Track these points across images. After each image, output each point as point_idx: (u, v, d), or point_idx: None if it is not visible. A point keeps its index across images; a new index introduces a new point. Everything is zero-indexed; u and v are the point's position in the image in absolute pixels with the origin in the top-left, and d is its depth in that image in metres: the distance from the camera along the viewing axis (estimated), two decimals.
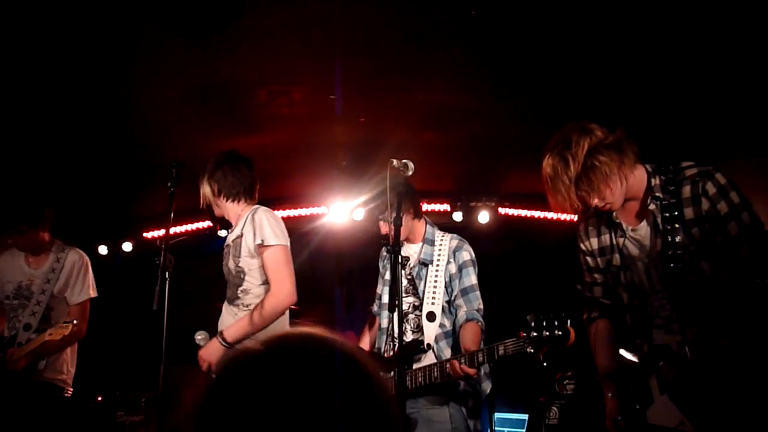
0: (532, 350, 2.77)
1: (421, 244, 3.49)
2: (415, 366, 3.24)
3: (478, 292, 3.38)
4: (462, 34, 4.23)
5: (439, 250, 3.45)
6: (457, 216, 7.05)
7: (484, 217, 7.05)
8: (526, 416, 6.09)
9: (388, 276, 3.50)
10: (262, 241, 3.34)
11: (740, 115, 5.07)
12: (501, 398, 6.03)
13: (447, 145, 6.05)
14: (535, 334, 2.76)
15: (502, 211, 7.21)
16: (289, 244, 3.43)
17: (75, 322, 3.93)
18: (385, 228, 3.35)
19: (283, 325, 3.41)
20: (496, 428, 6.02)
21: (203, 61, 4.48)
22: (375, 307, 3.72)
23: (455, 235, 3.54)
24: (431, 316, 3.32)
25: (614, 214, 2.67)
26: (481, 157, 6.34)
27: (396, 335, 3.16)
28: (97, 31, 4.12)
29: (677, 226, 2.50)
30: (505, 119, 5.45)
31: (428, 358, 3.28)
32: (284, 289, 3.29)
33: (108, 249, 7.50)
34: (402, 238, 3.20)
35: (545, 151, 2.59)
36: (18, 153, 5.56)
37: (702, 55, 4.33)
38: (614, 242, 2.72)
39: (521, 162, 6.35)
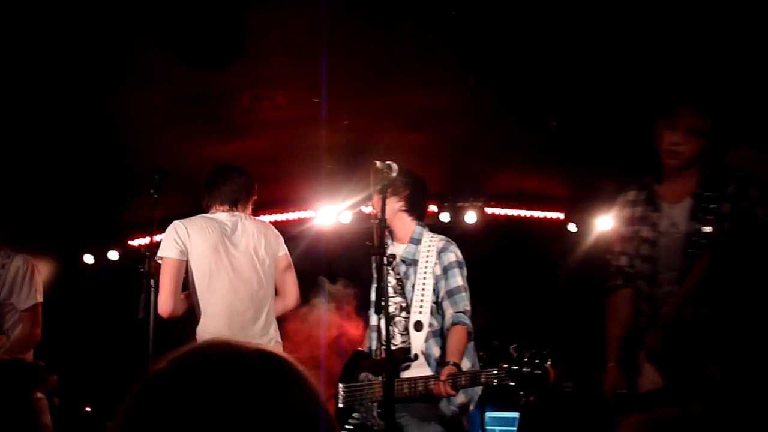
0: (512, 384, 2.87)
1: (407, 244, 3.51)
2: (402, 374, 3.24)
3: (464, 293, 3.36)
4: (443, 35, 4.24)
5: (427, 250, 3.44)
6: (444, 216, 7.06)
7: (471, 217, 7.06)
8: (517, 414, 6.11)
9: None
10: None
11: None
12: (491, 397, 6.05)
13: (432, 147, 6.06)
14: (515, 368, 2.85)
15: (489, 210, 7.23)
16: (175, 256, 3.39)
17: (8, 334, 3.90)
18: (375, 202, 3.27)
19: None
20: (487, 427, 6.04)
21: (186, 68, 4.46)
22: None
23: (443, 236, 3.54)
24: (418, 326, 3.32)
25: (656, 188, 2.88)
26: (466, 158, 6.35)
27: (384, 339, 3.19)
28: (81, 38, 4.10)
29: (711, 217, 2.67)
30: (490, 119, 5.47)
31: (417, 365, 3.28)
32: (159, 299, 3.36)
33: (94, 258, 7.45)
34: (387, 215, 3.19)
35: None
36: None
37: (690, 56, 4.35)
38: (647, 215, 2.88)
39: (507, 162, 6.39)
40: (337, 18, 4.01)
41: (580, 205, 7.11)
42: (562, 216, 7.28)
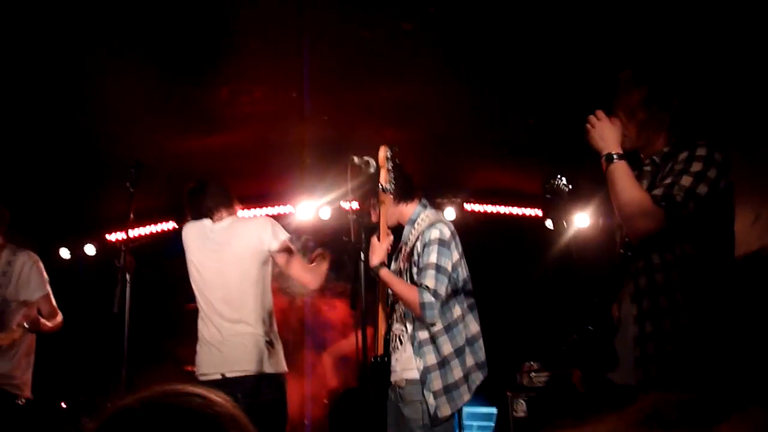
0: None
1: (405, 226, 3.43)
2: (393, 361, 3.27)
3: (432, 271, 3.13)
4: (422, 29, 4.25)
5: (416, 230, 3.35)
6: None
7: (450, 213, 7.08)
8: (494, 409, 6.14)
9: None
10: None
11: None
12: None
13: (411, 142, 6.06)
14: None
15: (468, 207, 7.26)
16: None
17: (26, 325, 3.94)
18: (374, 216, 3.31)
19: None
20: (465, 422, 6.07)
21: (163, 61, 4.44)
22: None
23: (439, 213, 3.47)
24: (405, 313, 3.30)
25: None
26: (445, 154, 6.37)
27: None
28: (56, 28, 4.05)
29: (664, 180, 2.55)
30: (468, 115, 5.49)
31: (402, 350, 3.27)
32: None
33: (70, 252, 7.37)
34: (390, 224, 3.33)
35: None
36: None
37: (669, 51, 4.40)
38: None
39: (486, 158, 6.42)
40: (314, 13, 4.01)
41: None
42: (540, 213, 7.33)
